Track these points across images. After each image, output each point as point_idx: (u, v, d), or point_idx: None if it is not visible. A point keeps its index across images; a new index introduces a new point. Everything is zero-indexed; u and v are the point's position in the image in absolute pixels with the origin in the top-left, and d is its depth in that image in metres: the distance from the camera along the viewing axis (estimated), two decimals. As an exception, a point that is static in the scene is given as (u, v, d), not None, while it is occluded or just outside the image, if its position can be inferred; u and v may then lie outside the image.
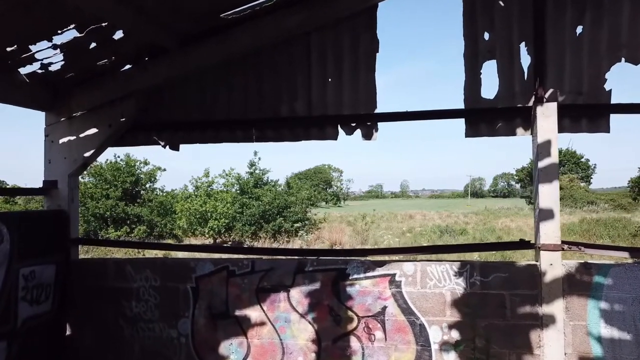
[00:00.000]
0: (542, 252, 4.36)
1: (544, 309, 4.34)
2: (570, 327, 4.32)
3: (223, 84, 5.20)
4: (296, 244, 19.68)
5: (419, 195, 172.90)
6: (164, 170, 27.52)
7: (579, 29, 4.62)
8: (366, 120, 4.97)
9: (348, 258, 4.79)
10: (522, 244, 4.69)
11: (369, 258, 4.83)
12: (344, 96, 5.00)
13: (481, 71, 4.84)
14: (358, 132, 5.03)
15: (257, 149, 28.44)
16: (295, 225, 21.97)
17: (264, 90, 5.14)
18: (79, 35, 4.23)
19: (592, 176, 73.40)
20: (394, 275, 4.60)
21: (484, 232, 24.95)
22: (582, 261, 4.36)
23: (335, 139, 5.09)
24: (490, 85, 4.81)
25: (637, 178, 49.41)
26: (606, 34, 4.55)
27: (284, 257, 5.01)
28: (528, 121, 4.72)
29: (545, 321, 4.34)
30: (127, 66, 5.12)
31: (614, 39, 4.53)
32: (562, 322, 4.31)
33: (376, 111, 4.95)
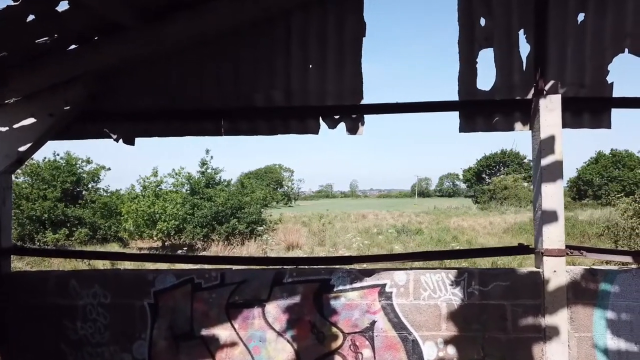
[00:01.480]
0: (545, 257, 4.20)
1: (547, 320, 4.17)
2: (575, 340, 4.17)
3: (190, 68, 4.77)
4: (251, 247, 19.31)
5: (368, 195, 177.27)
6: (109, 169, 26.49)
7: (581, 17, 4.50)
8: (352, 112, 4.67)
9: (332, 267, 4.47)
10: (522, 249, 4.53)
11: (355, 266, 4.53)
12: (328, 85, 4.68)
13: (477, 60, 4.63)
14: (342, 125, 4.72)
15: (209, 146, 27.86)
16: (252, 226, 21.54)
17: (238, 76, 4.75)
18: (13, 3, 3.69)
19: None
20: (384, 285, 4.32)
21: (439, 231, 25.85)
22: (588, 267, 4.23)
23: (317, 132, 4.77)
24: (485, 76, 4.64)
25: (574, 178, 55.98)
26: (610, 23, 4.45)
27: (258, 267, 4.63)
28: (527, 115, 4.56)
29: (549, 333, 4.18)
30: (75, 46, 4.58)
31: (618, 28, 4.44)
32: (566, 333, 4.16)
33: (363, 102, 4.65)
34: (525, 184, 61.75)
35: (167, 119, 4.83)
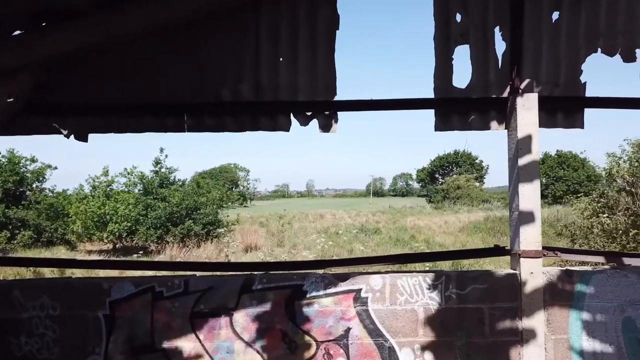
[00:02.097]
0: (522, 259, 4.18)
1: (524, 323, 4.16)
2: (551, 342, 4.18)
3: (150, 59, 4.47)
4: (208, 249, 18.88)
5: (324, 194, 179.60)
6: (55, 168, 25.30)
7: (556, 15, 4.52)
8: (325, 108, 4.52)
9: (304, 272, 4.29)
10: (497, 251, 4.50)
11: (328, 271, 4.37)
12: (299, 80, 4.50)
13: (453, 56, 4.57)
14: (315, 122, 4.55)
15: (161, 143, 27.12)
16: (208, 228, 21.07)
17: (202, 69, 4.49)
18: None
19: (485, 176, 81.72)
20: (359, 290, 4.18)
21: (397, 230, 26.57)
22: (564, 268, 4.25)
23: (288, 130, 4.58)
24: (461, 74, 4.59)
25: None
26: (584, 22, 4.49)
27: (225, 273, 4.40)
28: (503, 114, 4.54)
29: (526, 336, 4.16)
30: (20, 32, 4.19)
31: (592, 27, 4.49)
32: (542, 336, 4.16)
33: (336, 98, 4.50)
34: (477, 184, 64.82)
35: (124, 113, 4.51)
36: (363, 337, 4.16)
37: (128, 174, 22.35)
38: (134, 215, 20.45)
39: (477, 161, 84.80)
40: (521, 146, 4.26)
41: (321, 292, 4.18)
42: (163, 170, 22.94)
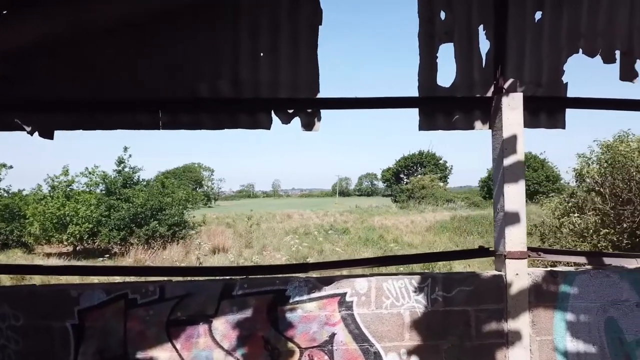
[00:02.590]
0: (507, 260, 4.19)
1: (510, 325, 4.16)
2: (537, 343, 4.20)
3: (123, 52, 4.26)
4: (174, 250, 18.50)
5: (290, 194, 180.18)
6: (10, 167, 24.19)
7: (539, 15, 4.55)
8: (307, 106, 4.41)
9: (287, 276, 4.17)
10: (482, 252, 4.50)
11: (312, 275, 4.26)
12: (281, 75, 4.38)
13: (437, 55, 4.54)
14: (297, 120, 4.43)
15: (128, 142, 26.35)
16: (174, 229, 20.62)
17: (179, 63, 4.30)
18: None
19: (448, 176, 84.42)
20: (344, 294, 4.09)
21: (366, 230, 26.90)
22: (549, 269, 4.28)
23: (269, 128, 4.45)
24: (446, 72, 4.56)
25: (485, 178, 60.86)
26: (566, 22, 4.54)
27: (204, 279, 4.22)
28: (487, 113, 4.54)
29: (511, 338, 4.17)
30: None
31: (574, 28, 4.54)
32: (528, 338, 4.17)
33: (319, 95, 4.39)
34: (441, 184, 66.72)
35: (94, 109, 4.28)
36: (348, 342, 4.07)
37: (89, 173, 21.63)
38: (95, 217, 19.82)
39: (441, 161, 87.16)
40: (506, 146, 4.26)
41: (305, 297, 4.07)
42: (127, 169, 22.29)
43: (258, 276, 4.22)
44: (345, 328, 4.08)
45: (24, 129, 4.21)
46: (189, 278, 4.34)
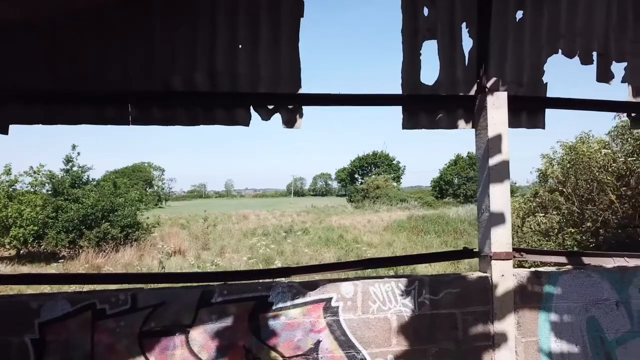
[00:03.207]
0: (493, 261, 4.19)
1: (496, 327, 4.16)
2: (522, 345, 4.21)
3: (88, 39, 3.96)
4: (127, 253, 17.91)
5: (243, 194, 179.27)
6: (-56, 167, 22.54)
7: (520, 14, 4.59)
8: (288, 102, 4.25)
9: (269, 281, 3.99)
10: (467, 253, 4.48)
11: (295, 279, 4.10)
12: (261, 69, 4.21)
13: (421, 52, 4.50)
14: (277, 117, 4.27)
15: (75, 140, 25.14)
16: (127, 230, 19.87)
17: (150, 53, 4.05)
18: None
19: (402, 177, 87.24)
20: (329, 299, 3.96)
21: (325, 230, 27.00)
22: (533, 270, 4.30)
23: (247, 124, 4.27)
24: (430, 70, 4.53)
25: (437, 179, 64.87)
26: (546, 22, 4.60)
27: (179, 285, 3.98)
28: (470, 113, 4.53)
29: (497, 340, 4.17)
30: None
31: (553, 28, 4.61)
32: (513, 340, 4.19)
33: (301, 91, 4.24)
34: (395, 184, 68.55)
35: (55, 102, 3.96)
36: (334, 349, 3.94)
37: (34, 172, 20.45)
38: (41, 218, 18.75)
39: (394, 162, 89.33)
40: (491, 146, 4.26)
41: (288, 303, 3.91)
42: (75, 169, 21.27)
43: (238, 282, 4.01)
44: (330, 335, 3.95)
45: (-28, 123, 3.83)
46: (160, 285, 4.08)
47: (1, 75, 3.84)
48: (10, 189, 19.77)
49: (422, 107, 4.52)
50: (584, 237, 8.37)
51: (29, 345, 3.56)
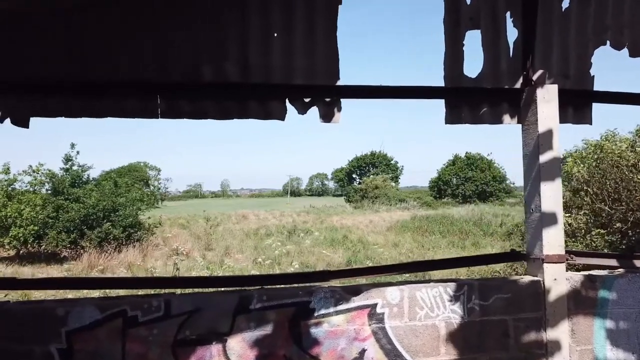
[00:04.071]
0: (545, 264, 4.02)
1: (549, 334, 4.00)
2: (577, 354, 4.05)
3: (113, 26, 3.77)
4: (130, 253, 17.87)
5: (239, 194, 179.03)
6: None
7: (566, 3, 4.45)
8: (326, 94, 4.08)
9: (310, 285, 3.80)
10: (515, 256, 4.33)
11: (334, 283, 3.91)
12: (296, 59, 4.04)
13: (464, 42, 4.34)
14: (314, 110, 4.09)
15: (70, 139, 24.86)
16: (129, 230, 19.67)
17: (178, 41, 3.86)
18: None
19: (399, 177, 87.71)
20: (374, 305, 3.78)
21: (328, 230, 26.82)
22: (587, 273, 4.14)
23: (283, 118, 4.09)
24: (473, 63, 4.38)
25: (435, 179, 65.34)
26: (593, 13, 4.46)
27: (213, 290, 3.78)
28: (516, 107, 4.38)
29: (551, 349, 4.00)
30: None
31: (600, 19, 4.47)
32: (567, 348, 4.02)
33: (339, 83, 4.07)
34: (393, 184, 69.00)
35: (72, 93, 3.76)
36: (380, 359, 3.75)
37: (33, 171, 20.23)
38: (41, 218, 18.52)
39: (392, 162, 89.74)
40: (542, 142, 4.11)
41: (331, 309, 3.72)
42: (75, 168, 21.07)
43: (277, 286, 3.82)
44: (376, 343, 3.77)
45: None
46: (197, 290, 3.88)
47: (17, 64, 3.64)
48: (9, 188, 19.55)
49: (465, 100, 4.36)
50: (614, 238, 8.23)
51: (56, 355, 3.35)
